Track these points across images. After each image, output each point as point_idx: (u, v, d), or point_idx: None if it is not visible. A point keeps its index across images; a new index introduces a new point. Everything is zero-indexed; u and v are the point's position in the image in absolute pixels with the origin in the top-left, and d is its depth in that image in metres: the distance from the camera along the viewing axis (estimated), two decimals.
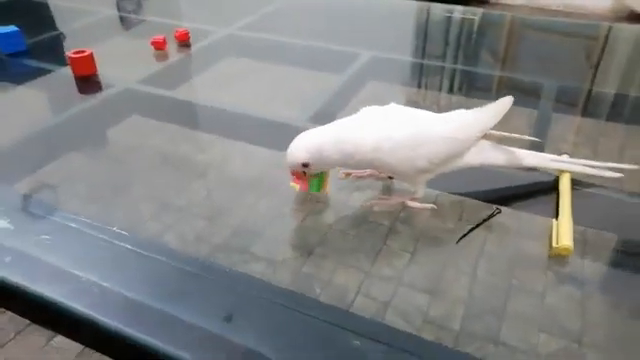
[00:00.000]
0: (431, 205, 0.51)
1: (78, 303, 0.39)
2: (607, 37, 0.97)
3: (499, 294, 0.42)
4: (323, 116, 0.68)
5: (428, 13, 1.08)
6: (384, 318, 0.40)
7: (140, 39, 0.91)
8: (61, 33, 0.97)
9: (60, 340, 1.12)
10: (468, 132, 0.49)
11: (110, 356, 0.41)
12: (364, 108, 0.50)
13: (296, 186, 0.49)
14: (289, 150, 0.47)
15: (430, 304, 0.41)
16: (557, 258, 0.45)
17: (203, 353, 0.36)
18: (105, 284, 0.41)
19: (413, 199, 0.50)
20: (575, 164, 0.52)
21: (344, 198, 0.53)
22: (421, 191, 0.50)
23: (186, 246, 0.47)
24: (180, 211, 0.52)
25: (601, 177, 0.51)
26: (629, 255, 0.47)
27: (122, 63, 0.84)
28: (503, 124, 0.50)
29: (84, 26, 1.00)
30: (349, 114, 0.50)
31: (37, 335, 1.13)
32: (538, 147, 0.55)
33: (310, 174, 0.49)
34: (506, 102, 0.50)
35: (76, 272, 0.42)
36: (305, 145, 0.47)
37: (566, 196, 0.50)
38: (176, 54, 0.86)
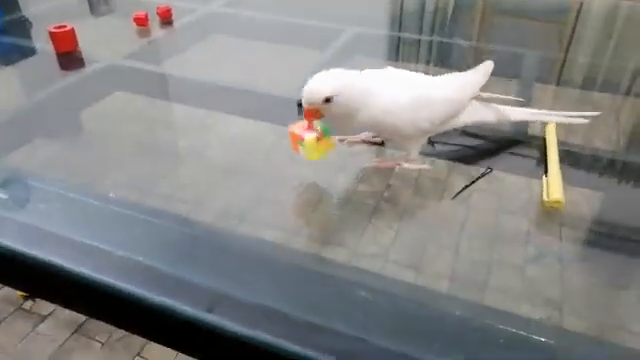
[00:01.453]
0: (426, 165, 0.52)
1: (82, 267, 0.39)
2: (579, 12, 1.00)
3: (482, 265, 0.43)
4: None
5: None
6: None
7: (121, 16, 0.89)
8: (24, 18, 0.95)
9: (46, 327, 1.11)
10: (463, 93, 0.51)
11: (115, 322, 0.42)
12: (363, 71, 0.50)
13: (307, 144, 0.46)
14: (310, 84, 0.45)
15: (416, 279, 0.42)
16: (540, 221, 0.47)
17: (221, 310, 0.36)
18: (108, 248, 0.41)
19: (408, 160, 0.52)
20: (552, 115, 0.56)
21: (327, 180, 0.53)
22: (415, 152, 0.51)
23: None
24: (166, 193, 0.52)
25: (570, 124, 0.55)
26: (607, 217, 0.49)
27: (103, 39, 0.82)
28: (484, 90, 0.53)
29: (61, 4, 0.98)
30: None
31: (22, 323, 1.12)
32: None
33: (329, 114, 0.46)
34: (488, 65, 0.54)
35: (77, 238, 0.42)
36: (329, 79, 0.45)
37: (553, 153, 0.52)
38: (159, 31, 0.85)
